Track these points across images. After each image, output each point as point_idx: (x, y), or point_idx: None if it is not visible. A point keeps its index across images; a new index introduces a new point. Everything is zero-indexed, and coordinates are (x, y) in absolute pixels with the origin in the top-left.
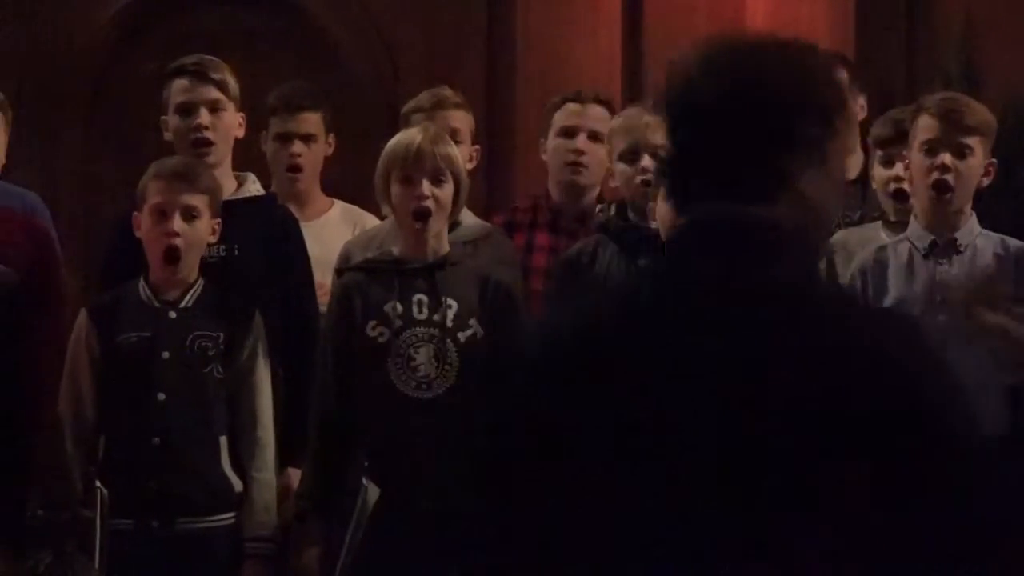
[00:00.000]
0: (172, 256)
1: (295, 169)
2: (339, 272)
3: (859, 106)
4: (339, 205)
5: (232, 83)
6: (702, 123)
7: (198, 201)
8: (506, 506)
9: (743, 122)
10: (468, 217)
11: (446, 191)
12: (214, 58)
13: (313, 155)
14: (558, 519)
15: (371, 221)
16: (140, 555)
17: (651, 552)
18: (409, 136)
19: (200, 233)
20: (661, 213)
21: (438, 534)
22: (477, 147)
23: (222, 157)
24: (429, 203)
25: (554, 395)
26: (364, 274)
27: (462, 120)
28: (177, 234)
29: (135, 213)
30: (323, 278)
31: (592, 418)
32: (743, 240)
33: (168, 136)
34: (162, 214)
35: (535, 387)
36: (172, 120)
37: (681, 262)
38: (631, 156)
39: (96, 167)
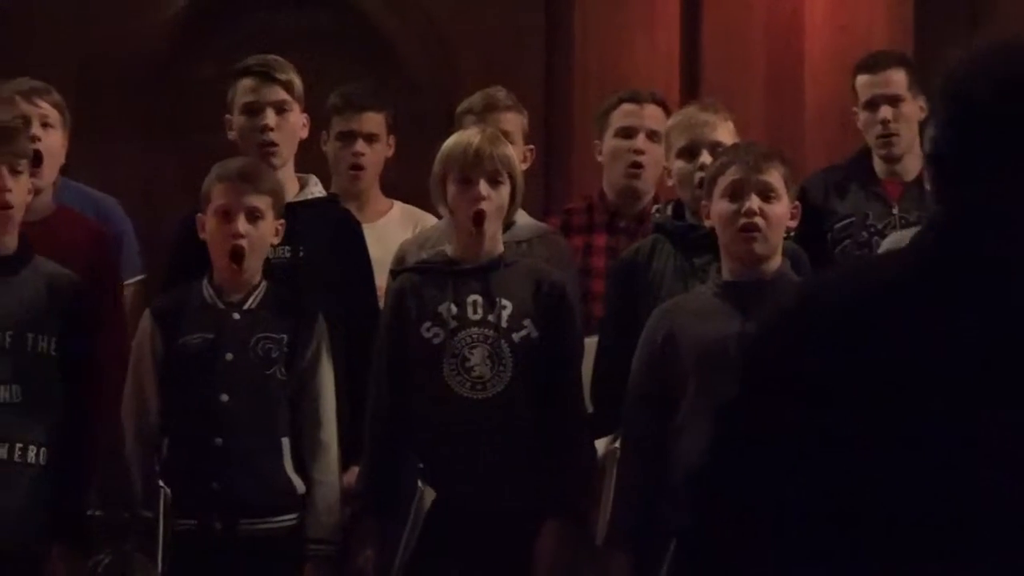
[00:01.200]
0: (237, 257)
1: (357, 168)
2: (394, 273)
3: (919, 107)
4: (399, 206)
5: (297, 83)
6: (976, 117)
7: (262, 202)
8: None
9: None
10: (522, 217)
11: (503, 192)
12: (279, 58)
13: (375, 155)
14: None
15: (430, 222)
16: (202, 556)
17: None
18: (467, 137)
19: (264, 234)
20: (716, 211)
21: (495, 534)
22: (531, 147)
23: (287, 158)
24: (486, 204)
25: (833, 355)
26: (418, 275)
27: (513, 122)
28: (242, 235)
29: (199, 215)
30: (383, 279)
31: (870, 379)
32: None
33: (232, 136)
34: (226, 216)
35: (809, 348)
36: (237, 120)
37: (950, 239)
38: (689, 153)
39: (156, 169)
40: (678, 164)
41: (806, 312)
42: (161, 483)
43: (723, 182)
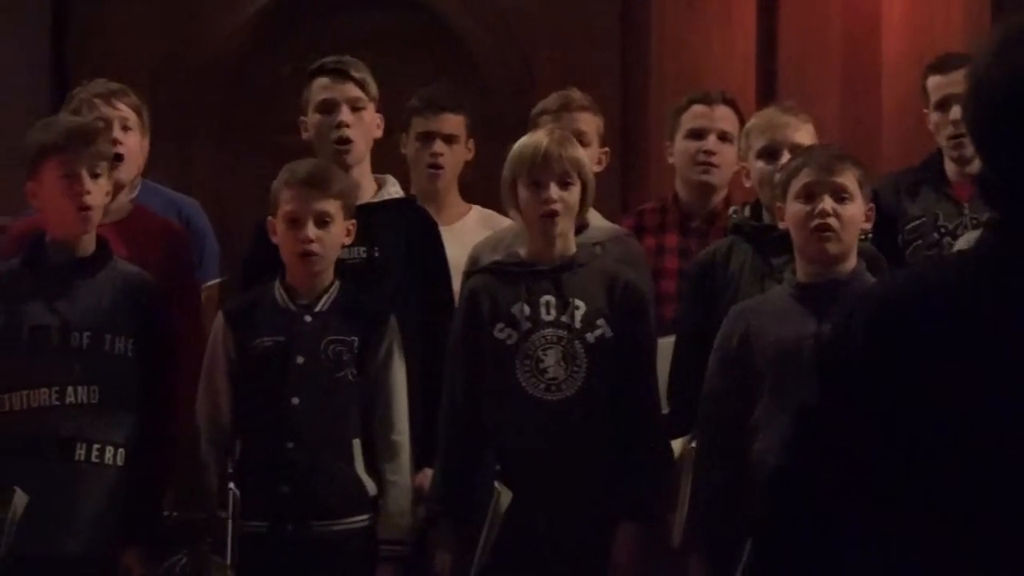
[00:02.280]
0: (307, 262)
1: (436, 169)
2: (467, 275)
3: None
4: (476, 210)
5: (372, 83)
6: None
7: (331, 207)
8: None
9: None
10: (596, 219)
11: (573, 193)
12: (354, 58)
13: (454, 156)
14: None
15: (507, 225)
16: (275, 558)
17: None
18: (536, 139)
19: (334, 238)
20: (790, 213)
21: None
22: (606, 149)
23: (361, 156)
24: (556, 206)
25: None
26: (492, 276)
27: (589, 122)
28: (311, 240)
29: (269, 218)
30: (459, 282)
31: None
32: None
33: (307, 135)
34: (295, 222)
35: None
36: (313, 118)
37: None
38: (769, 154)
39: (232, 170)
40: (758, 165)
41: (876, 316)
42: (231, 485)
43: (796, 184)
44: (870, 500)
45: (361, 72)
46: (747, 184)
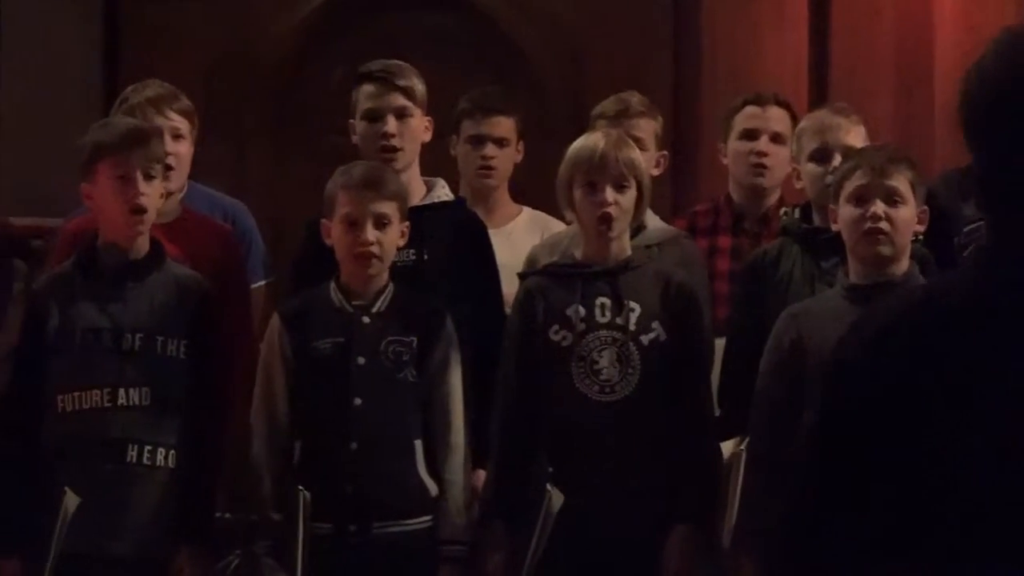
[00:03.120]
0: (366, 264)
1: (487, 171)
2: (522, 276)
3: None
4: (527, 211)
5: (419, 87)
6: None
7: (388, 208)
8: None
9: None
10: (653, 220)
11: (628, 196)
12: (401, 63)
13: (504, 159)
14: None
15: (558, 227)
16: (337, 559)
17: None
18: (592, 141)
19: (392, 239)
20: (842, 215)
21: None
22: (664, 152)
23: (409, 162)
24: (612, 209)
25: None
26: (546, 278)
27: (646, 128)
28: (370, 242)
29: (323, 220)
30: (510, 284)
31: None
32: None
33: (355, 139)
34: (353, 224)
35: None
36: (359, 125)
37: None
38: (821, 157)
39: (284, 171)
40: (809, 167)
41: (880, 329)
42: (300, 487)
43: (849, 187)
44: (876, 517)
45: (408, 79)
46: (798, 186)
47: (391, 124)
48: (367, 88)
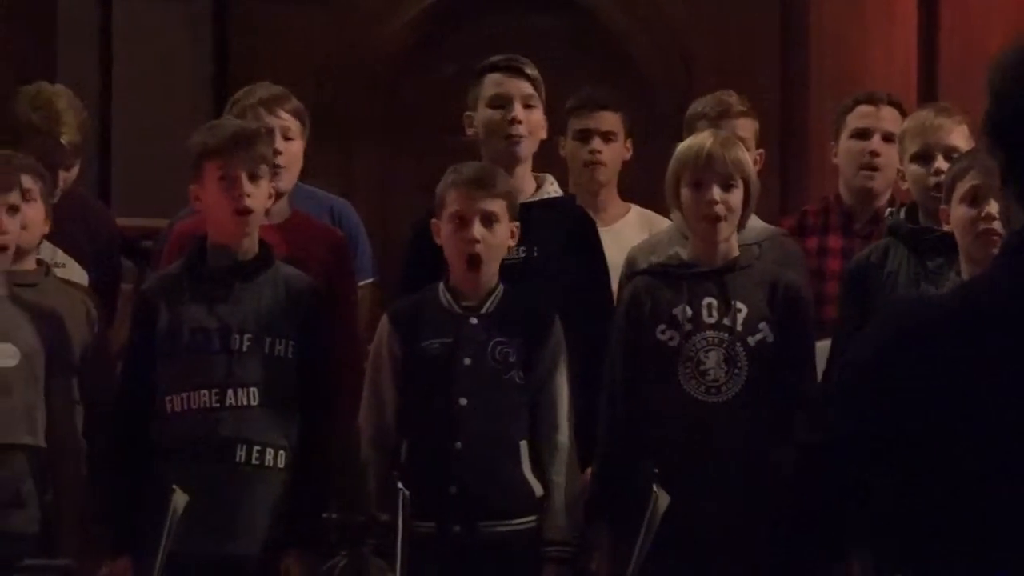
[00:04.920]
0: (474, 263)
1: (594, 165)
2: (627, 277)
3: None
4: (635, 210)
5: (542, 83)
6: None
7: (496, 206)
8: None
9: None
10: (753, 220)
11: (736, 196)
12: (525, 58)
13: (612, 154)
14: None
15: (665, 225)
16: (441, 559)
17: None
18: (699, 141)
19: (500, 238)
20: (955, 216)
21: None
22: (761, 152)
23: (529, 153)
24: (720, 208)
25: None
26: (653, 278)
27: (747, 127)
28: (478, 240)
29: (433, 220)
30: (616, 283)
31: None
32: None
33: (472, 132)
34: (462, 221)
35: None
36: (483, 114)
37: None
38: (924, 158)
39: (392, 171)
40: (912, 168)
41: (891, 336)
42: (400, 485)
43: (962, 187)
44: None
45: (533, 70)
46: (903, 187)
47: (519, 110)
48: (493, 77)
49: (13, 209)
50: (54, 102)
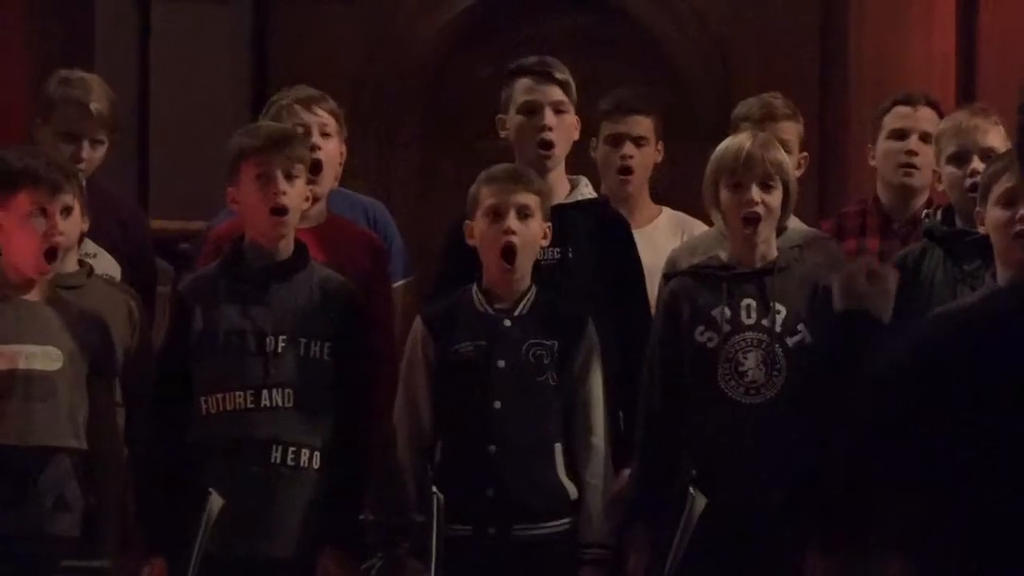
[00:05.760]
0: (509, 254)
1: (626, 171)
2: (667, 278)
3: None
4: (667, 212)
5: (572, 84)
6: None
7: (531, 200)
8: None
9: None
10: (794, 222)
11: (775, 197)
12: (556, 60)
13: (644, 158)
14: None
15: (699, 228)
16: (477, 561)
17: None
18: (738, 142)
19: (534, 232)
20: (990, 218)
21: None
22: (805, 155)
23: (560, 158)
24: (759, 209)
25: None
26: (692, 279)
27: (790, 130)
28: (513, 232)
29: (466, 222)
30: (652, 284)
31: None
32: None
33: (504, 134)
34: (496, 215)
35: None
36: (514, 119)
37: None
38: (960, 159)
39: (430, 173)
40: (948, 169)
41: (925, 339)
42: (434, 488)
43: (997, 189)
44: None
45: (564, 74)
46: (939, 188)
47: (549, 117)
48: (524, 82)
49: (67, 211)
50: (86, 78)
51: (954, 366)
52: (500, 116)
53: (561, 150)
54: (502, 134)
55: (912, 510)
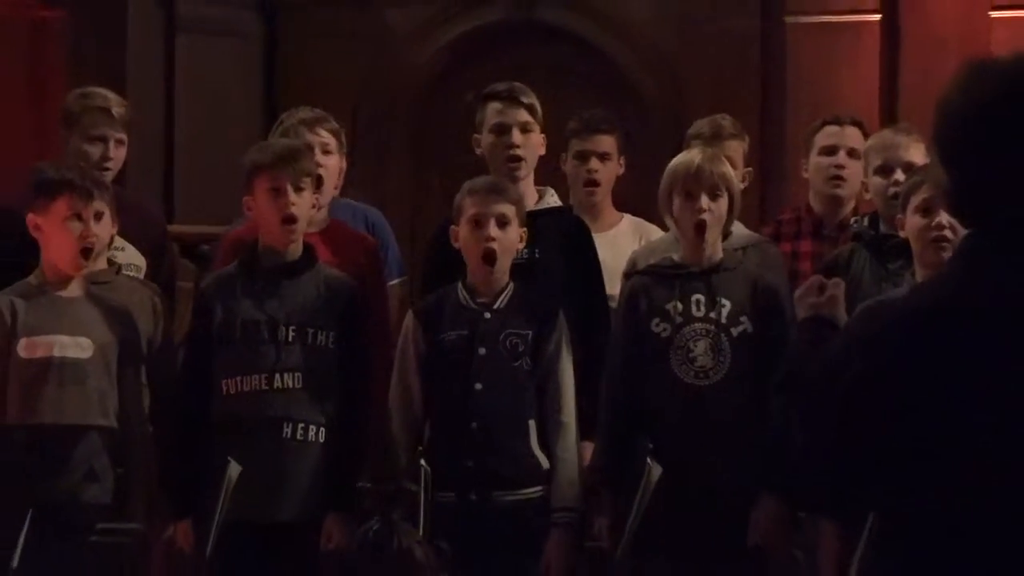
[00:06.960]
0: (490, 258)
1: (592, 183)
2: (627, 276)
3: None
4: (628, 218)
5: (538, 107)
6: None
7: (508, 210)
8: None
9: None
10: (739, 227)
11: (721, 205)
12: (523, 85)
13: (607, 172)
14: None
15: (656, 232)
16: (461, 524)
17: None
18: (689, 156)
19: (511, 238)
20: (910, 225)
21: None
22: (749, 169)
23: (528, 172)
24: (707, 216)
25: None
26: (649, 277)
27: (736, 148)
28: (493, 239)
29: (452, 227)
30: (613, 282)
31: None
32: None
33: (479, 151)
34: (478, 223)
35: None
36: (487, 138)
37: (983, 261)
38: (885, 171)
39: (421, 184)
40: (875, 180)
41: (870, 331)
42: (422, 462)
43: (915, 199)
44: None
45: (530, 98)
46: (867, 197)
47: (516, 136)
48: (495, 105)
49: (99, 216)
50: (100, 90)
51: (882, 350)
52: (475, 136)
53: (528, 164)
54: (477, 151)
55: (861, 493)
